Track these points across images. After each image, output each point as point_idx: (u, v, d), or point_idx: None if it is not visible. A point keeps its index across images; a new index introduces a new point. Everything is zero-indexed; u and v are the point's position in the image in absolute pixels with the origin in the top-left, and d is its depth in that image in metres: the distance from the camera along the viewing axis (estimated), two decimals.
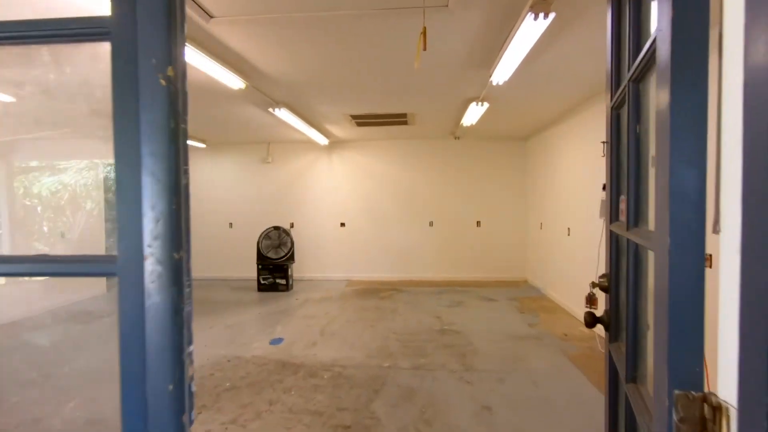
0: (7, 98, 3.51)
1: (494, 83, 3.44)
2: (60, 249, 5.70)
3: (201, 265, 7.70)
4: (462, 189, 7.26)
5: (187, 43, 2.64)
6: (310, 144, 7.42)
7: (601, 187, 4.04)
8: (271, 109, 4.52)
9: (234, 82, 3.38)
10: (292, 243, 6.72)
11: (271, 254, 6.63)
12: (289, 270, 6.64)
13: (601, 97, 4.21)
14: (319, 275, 7.51)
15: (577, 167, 4.92)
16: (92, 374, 3.37)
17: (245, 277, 7.55)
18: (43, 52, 2.28)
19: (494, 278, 7.24)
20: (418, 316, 5.03)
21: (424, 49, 2.09)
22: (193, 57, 2.76)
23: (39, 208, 5.50)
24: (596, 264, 4.23)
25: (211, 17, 2.43)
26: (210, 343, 4.13)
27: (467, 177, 7.25)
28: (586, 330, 4.42)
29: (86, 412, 2.79)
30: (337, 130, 6.32)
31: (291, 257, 6.70)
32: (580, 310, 4.78)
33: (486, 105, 4.48)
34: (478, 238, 7.27)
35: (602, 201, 4.00)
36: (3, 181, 5.00)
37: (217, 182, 7.66)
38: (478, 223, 7.26)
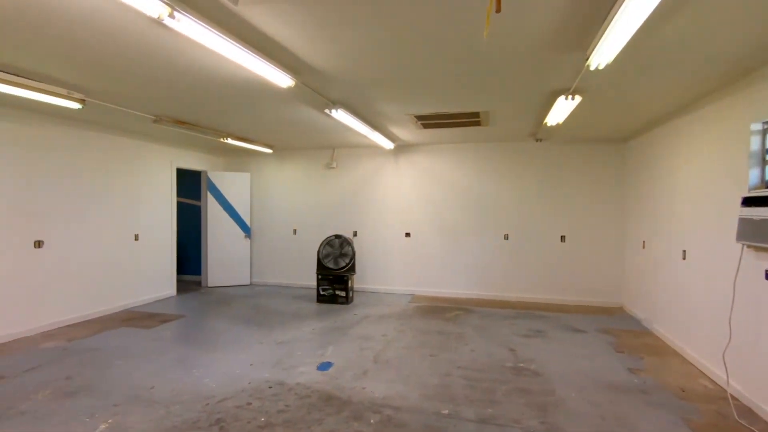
0: None
1: (592, 68, 2.69)
2: None
3: (266, 270, 7.67)
4: (543, 199, 6.37)
5: (218, 32, 2.32)
6: (375, 149, 7.03)
7: (741, 201, 3.05)
8: (327, 111, 4.16)
9: (280, 78, 3.03)
10: (354, 253, 6.35)
11: (331, 264, 6.32)
12: (350, 281, 6.27)
13: (748, 80, 3.21)
14: (381, 288, 7.06)
15: (699, 175, 3.89)
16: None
17: (307, 285, 7.36)
18: None
19: (581, 303, 6.22)
20: (489, 346, 4.33)
21: (497, 11, 1.50)
22: (226, 47, 2.42)
23: None
24: (729, 300, 3.23)
25: None
26: (256, 362, 3.83)
27: (550, 185, 6.34)
28: (710, 384, 3.41)
29: None
30: (402, 133, 5.82)
31: (352, 268, 6.33)
32: (701, 357, 3.74)
33: (577, 99, 3.69)
34: (562, 255, 6.31)
35: (741, 219, 3.01)
36: None
37: (283, 188, 7.58)
38: (563, 238, 6.30)
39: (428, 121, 4.93)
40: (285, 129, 5.53)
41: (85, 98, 3.90)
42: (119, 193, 5.68)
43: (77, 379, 3.42)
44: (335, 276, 6.26)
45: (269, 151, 7.16)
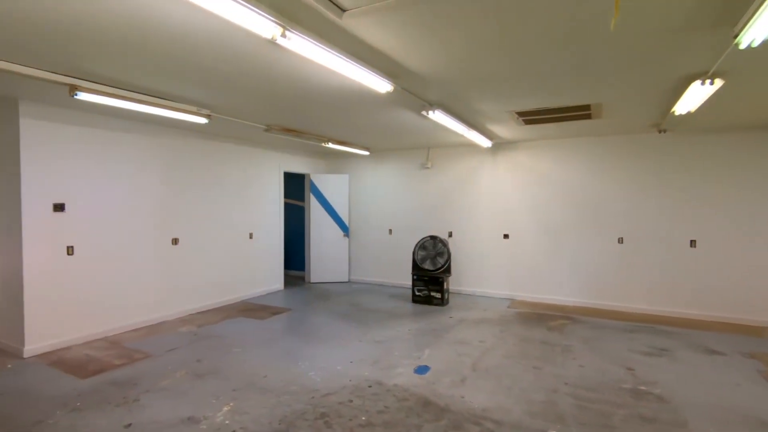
0: None
1: (743, 46, 2.25)
2: None
3: (363, 269, 7.94)
4: (667, 198, 5.58)
5: (322, 45, 2.42)
6: (472, 147, 6.83)
7: None
8: (424, 112, 4.13)
9: (380, 84, 3.08)
10: (449, 254, 6.25)
11: (426, 265, 6.30)
12: (445, 283, 6.19)
13: None
14: (477, 290, 6.85)
15: None
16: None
17: (402, 285, 7.45)
18: None
19: (718, 319, 5.33)
20: (601, 362, 3.93)
21: None
22: (330, 60, 2.52)
23: None
24: None
25: (344, 11, 2.11)
26: (356, 360, 3.97)
27: (676, 182, 5.53)
28: None
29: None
30: (501, 131, 5.56)
31: (447, 270, 6.24)
32: None
33: (718, 83, 3.14)
34: (692, 262, 5.48)
35: None
36: None
37: (379, 189, 7.76)
38: (693, 243, 5.46)
39: (531, 117, 4.63)
40: (381, 131, 5.64)
41: (211, 113, 4.39)
42: (236, 196, 6.32)
43: (205, 363, 3.88)
44: (430, 277, 6.23)
45: (366, 153, 7.37)
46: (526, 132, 5.63)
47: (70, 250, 4.31)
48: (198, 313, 5.65)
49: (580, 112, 4.40)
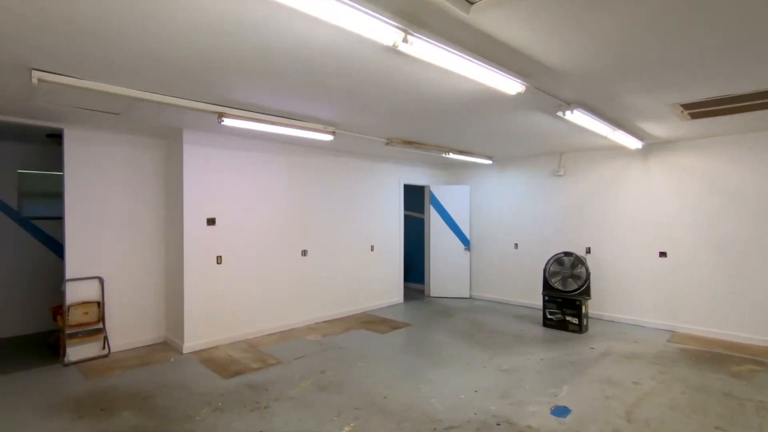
0: None
1: None
2: None
3: (485, 285, 7.46)
4: None
5: (446, 46, 2.20)
6: (615, 149, 5.91)
7: None
8: (560, 113, 3.62)
9: (509, 85, 2.75)
10: (588, 274, 5.44)
11: (560, 285, 5.59)
12: (584, 307, 5.39)
13: None
14: (624, 317, 5.84)
15: None
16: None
17: (529, 305, 6.77)
18: None
19: None
20: None
21: None
22: (454, 62, 2.29)
23: None
24: None
25: (472, 3, 1.88)
26: (481, 389, 3.61)
27: None
28: None
29: None
30: (657, 128, 4.65)
31: (586, 291, 5.44)
32: None
33: None
34: None
35: None
36: None
37: (503, 199, 7.24)
38: None
39: (701, 110, 3.74)
40: (507, 138, 5.21)
41: (335, 130, 4.54)
42: (358, 209, 6.49)
43: (329, 374, 3.94)
44: (565, 299, 5.50)
45: (489, 161, 6.95)
46: (692, 128, 4.61)
47: (219, 260, 4.84)
48: (323, 322, 5.88)
49: None
